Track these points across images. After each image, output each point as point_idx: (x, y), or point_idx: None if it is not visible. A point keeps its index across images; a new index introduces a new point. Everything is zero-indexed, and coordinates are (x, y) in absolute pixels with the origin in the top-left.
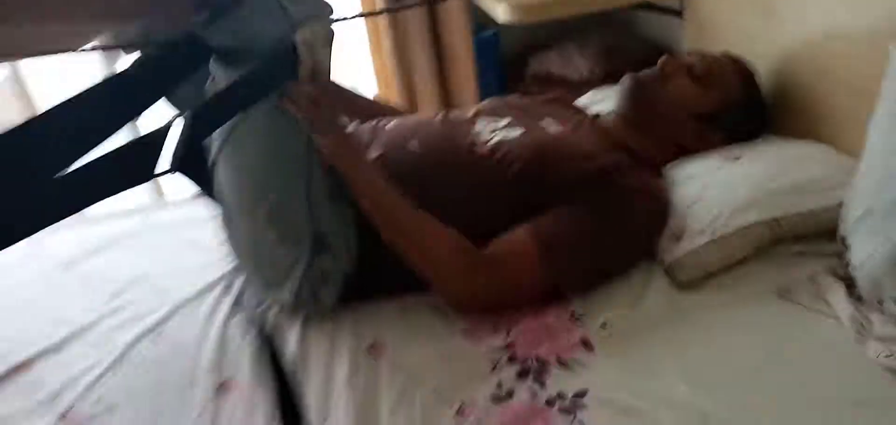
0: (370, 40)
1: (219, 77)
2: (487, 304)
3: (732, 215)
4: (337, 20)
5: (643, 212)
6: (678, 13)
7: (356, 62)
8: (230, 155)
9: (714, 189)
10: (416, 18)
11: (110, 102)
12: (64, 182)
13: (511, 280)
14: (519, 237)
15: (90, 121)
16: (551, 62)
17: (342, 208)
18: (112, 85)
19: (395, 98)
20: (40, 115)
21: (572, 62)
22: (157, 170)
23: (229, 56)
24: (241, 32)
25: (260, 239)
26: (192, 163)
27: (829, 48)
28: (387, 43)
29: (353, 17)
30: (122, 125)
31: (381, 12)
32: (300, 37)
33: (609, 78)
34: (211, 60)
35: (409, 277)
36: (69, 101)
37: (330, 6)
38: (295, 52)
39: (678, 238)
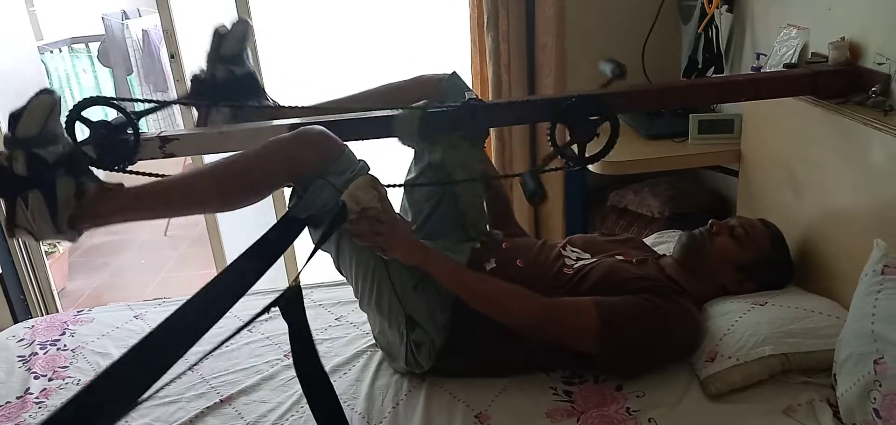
0: None
1: (314, 235)
2: (548, 333)
3: (754, 347)
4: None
5: (682, 325)
6: (735, 174)
7: None
8: (346, 273)
9: (743, 325)
10: (519, 150)
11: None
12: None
13: (569, 321)
14: (585, 299)
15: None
16: (628, 199)
17: (428, 295)
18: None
19: None
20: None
21: (645, 201)
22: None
23: (311, 220)
24: (313, 206)
25: (378, 324)
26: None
27: (841, 224)
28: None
29: (463, 182)
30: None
31: (508, 176)
32: (344, 196)
33: (675, 219)
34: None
35: (493, 345)
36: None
37: (365, 164)
38: (344, 207)
39: (711, 359)
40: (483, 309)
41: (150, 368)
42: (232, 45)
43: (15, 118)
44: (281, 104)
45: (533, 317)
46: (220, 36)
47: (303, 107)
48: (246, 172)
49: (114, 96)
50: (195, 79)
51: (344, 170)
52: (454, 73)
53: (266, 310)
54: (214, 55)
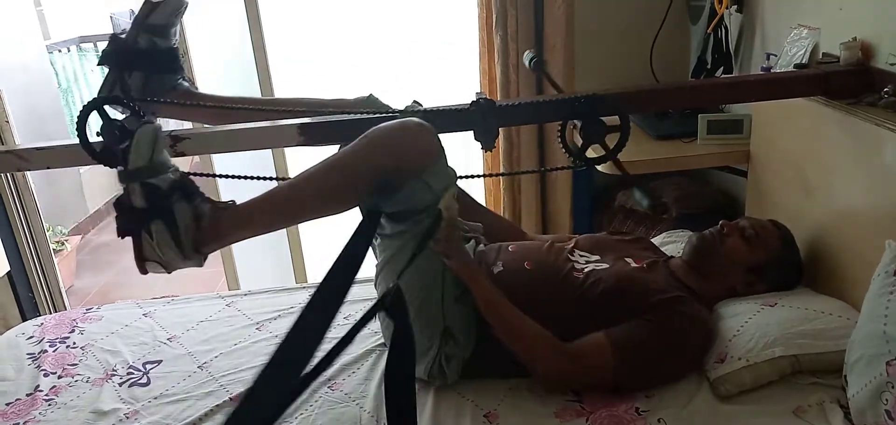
0: (484, 163)
1: (389, 228)
2: (568, 386)
3: (764, 348)
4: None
5: (696, 336)
6: (744, 174)
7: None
8: (391, 271)
9: (753, 326)
10: (528, 150)
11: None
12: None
13: (588, 368)
14: (598, 338)
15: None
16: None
17: (466, 310)
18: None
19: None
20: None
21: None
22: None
23: (396, 217)
24: (408, 202)
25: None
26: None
27: (852, 225)
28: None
29: (478, 177)
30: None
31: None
32: (442, 204)
33: (682, 219)
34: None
35: (512, 364)
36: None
37: (455, 172)
38: (440, 214)
39: (721, 360)
40: (506, 339)
41: (290, 377)
42: (162, 16)
43: (124, 153)
44: (198, 89)
45: (552, 369)
46: (151, 4)
47: (221, 97)
48: (346, 168)
49: (120, 95)
50: (115, 38)
51: (442, 174)
52: (371, 95)
53: (372, 313)
54: (141, 21)
